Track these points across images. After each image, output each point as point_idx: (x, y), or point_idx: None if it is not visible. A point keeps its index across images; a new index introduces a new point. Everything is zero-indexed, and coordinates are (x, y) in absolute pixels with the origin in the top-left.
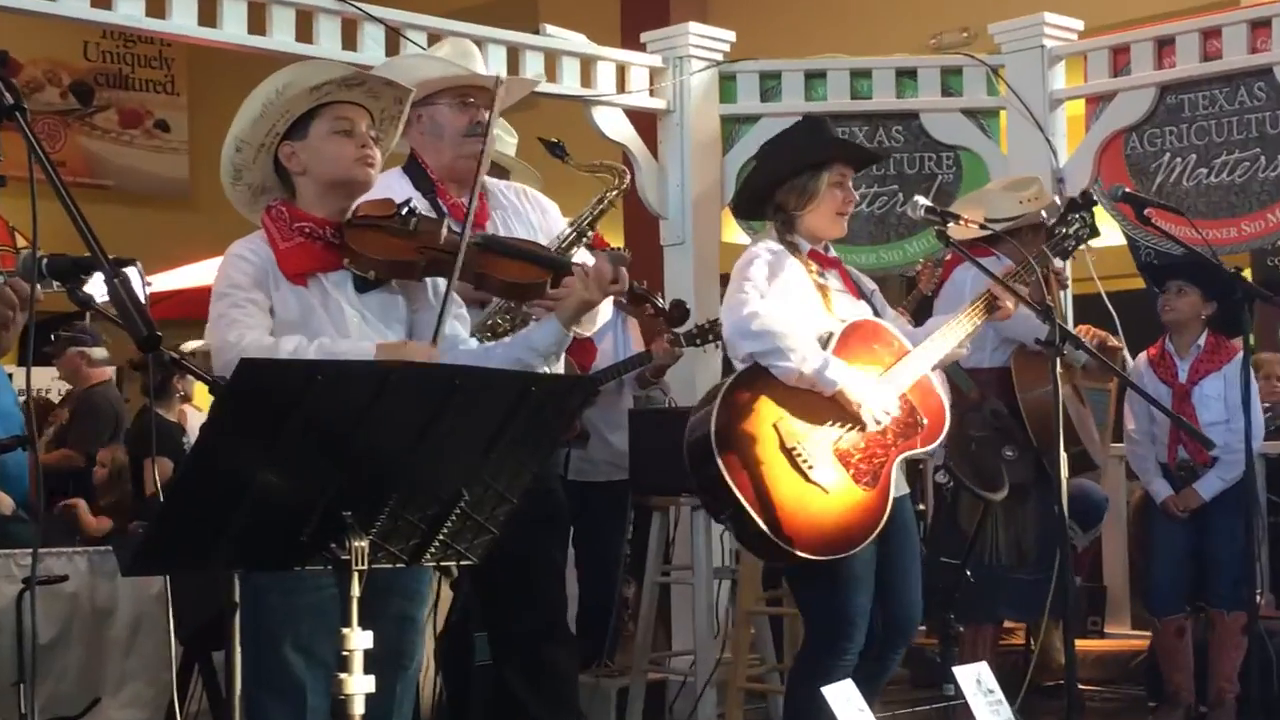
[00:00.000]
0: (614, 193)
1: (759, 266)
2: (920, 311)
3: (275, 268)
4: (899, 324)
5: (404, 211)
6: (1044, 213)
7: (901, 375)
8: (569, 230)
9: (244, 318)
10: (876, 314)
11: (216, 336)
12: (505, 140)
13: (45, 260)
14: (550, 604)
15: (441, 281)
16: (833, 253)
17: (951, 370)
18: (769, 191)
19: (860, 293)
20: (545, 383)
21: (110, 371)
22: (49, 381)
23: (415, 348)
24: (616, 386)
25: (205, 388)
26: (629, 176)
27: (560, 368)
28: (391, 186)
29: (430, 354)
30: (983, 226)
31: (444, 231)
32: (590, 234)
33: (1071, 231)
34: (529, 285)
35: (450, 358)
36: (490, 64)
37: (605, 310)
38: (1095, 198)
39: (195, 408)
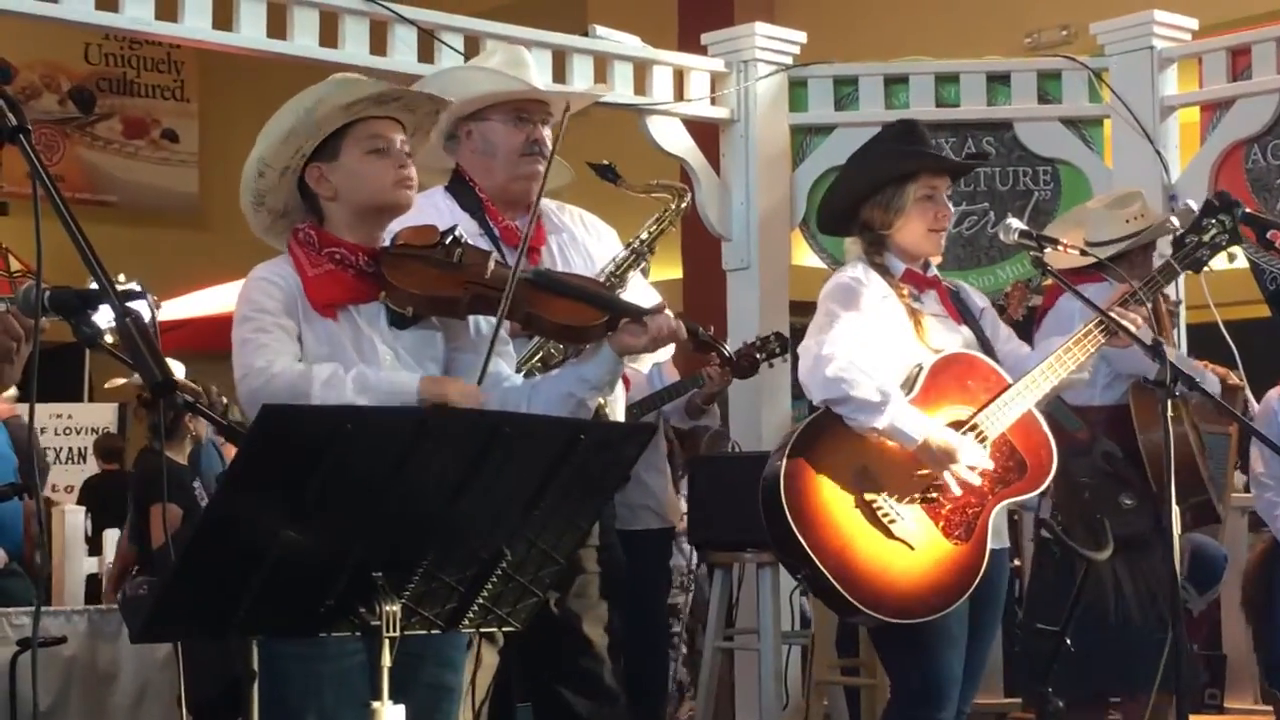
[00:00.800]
0: (673, 213)
1: (839, 297)
2: None
3: (303, 296)
4: (1011, 347)
5: (448, 241)
6: (1174, 219)
7: (997, 417)
8: (625, 253)
9: (272, 343)
10: (984, 339)
11: (242, 362)
12: (560, 172)
13: (48, 293)
14: (603, 672)
15: (486, 320)
16: (933, 270)
17: (1055, 407)
18: (852, 207)
19: (963, 315)
20: (597, 430)
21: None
22: (48, 419)
23: (463, 386)
24: (653, 419)
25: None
26: (689, 195)
27: (620, 401)
28: (436, 207)
29: (475, 395)
30: (1083, 253)
31: (491, 265)
32: (647, 259)
33: (1208, 239)
34: (584, 328)
35: (495, 396)
36: (534, 68)
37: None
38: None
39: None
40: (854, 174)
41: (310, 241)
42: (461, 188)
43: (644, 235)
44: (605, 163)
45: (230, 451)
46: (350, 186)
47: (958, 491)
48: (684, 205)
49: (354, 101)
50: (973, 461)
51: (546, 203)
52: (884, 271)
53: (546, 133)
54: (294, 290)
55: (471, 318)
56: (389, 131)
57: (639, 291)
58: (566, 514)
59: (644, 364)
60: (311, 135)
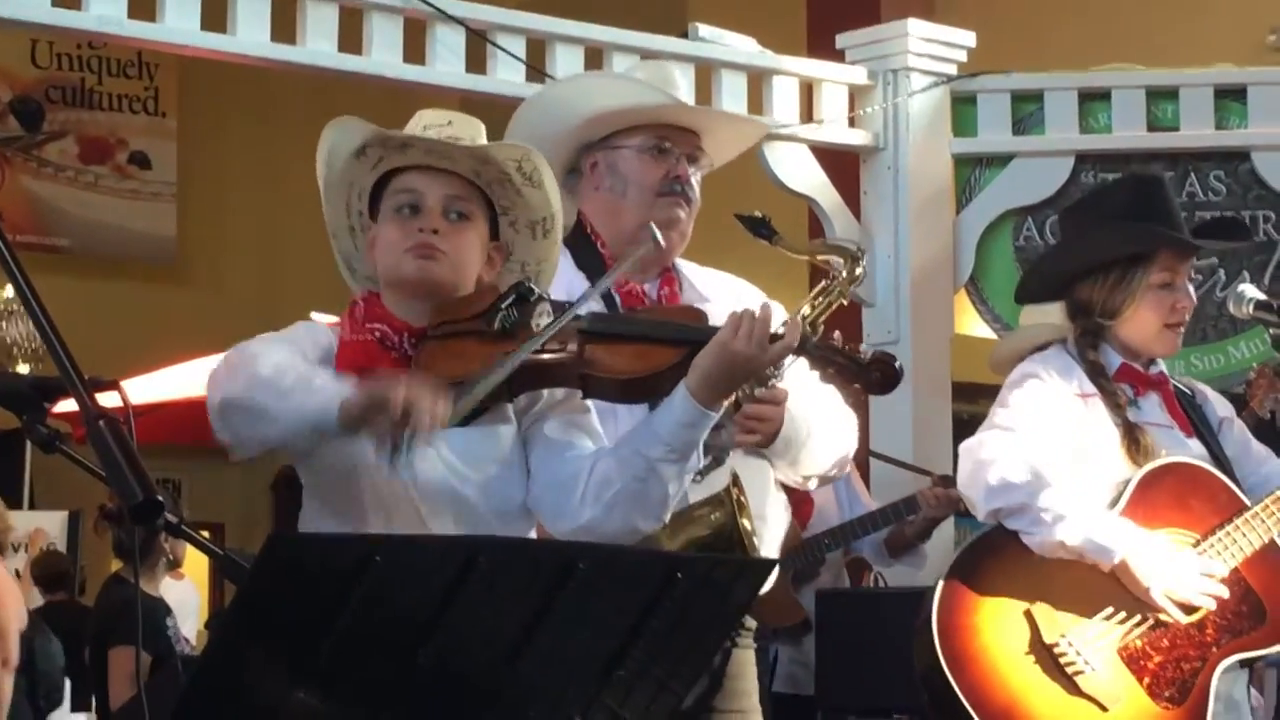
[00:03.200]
0: (844, 282)
1: (1029, 392)
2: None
3: (331, 359)
4: (1266, 471)
5: (505, 303)
6: None
7: (1229, 546)
8: None
9: (280, 345)
10: (1219, 456)
11: (228, 356)
12: None
13: None
14: None
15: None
16: (1159, 367)
17: None
18: (1066, 281)
19: (1196, 426)
20: (698, 566)
21: None
22: None
23: (379, 387)
24: (838, 558)
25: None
26: (865, 261)
27: (776, 526)
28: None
29: (399, 394)
30: None
31: (538, 320)
32: (814, 345)
33: None
34: (656, 376)
35: (544, 475)
36: None
37: (823, 451)
38: None
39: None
40: (1074, 239)
41: (358, 309)
42: (580, 241)
43: (805, 311)
44: (758, 214)
45: None
46: (377, 255)
47: (1180, 617)
48: (859, 273)
49: (362, 146)
50: (1196, 584)
51: (692, 267)
52: (1094, 367)
53: (697, 175)
54: (325, 348)
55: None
56: (422, 185)
57: (807, 389)
58: (658, 677)
59: (816, 467)
60: (347, 188)
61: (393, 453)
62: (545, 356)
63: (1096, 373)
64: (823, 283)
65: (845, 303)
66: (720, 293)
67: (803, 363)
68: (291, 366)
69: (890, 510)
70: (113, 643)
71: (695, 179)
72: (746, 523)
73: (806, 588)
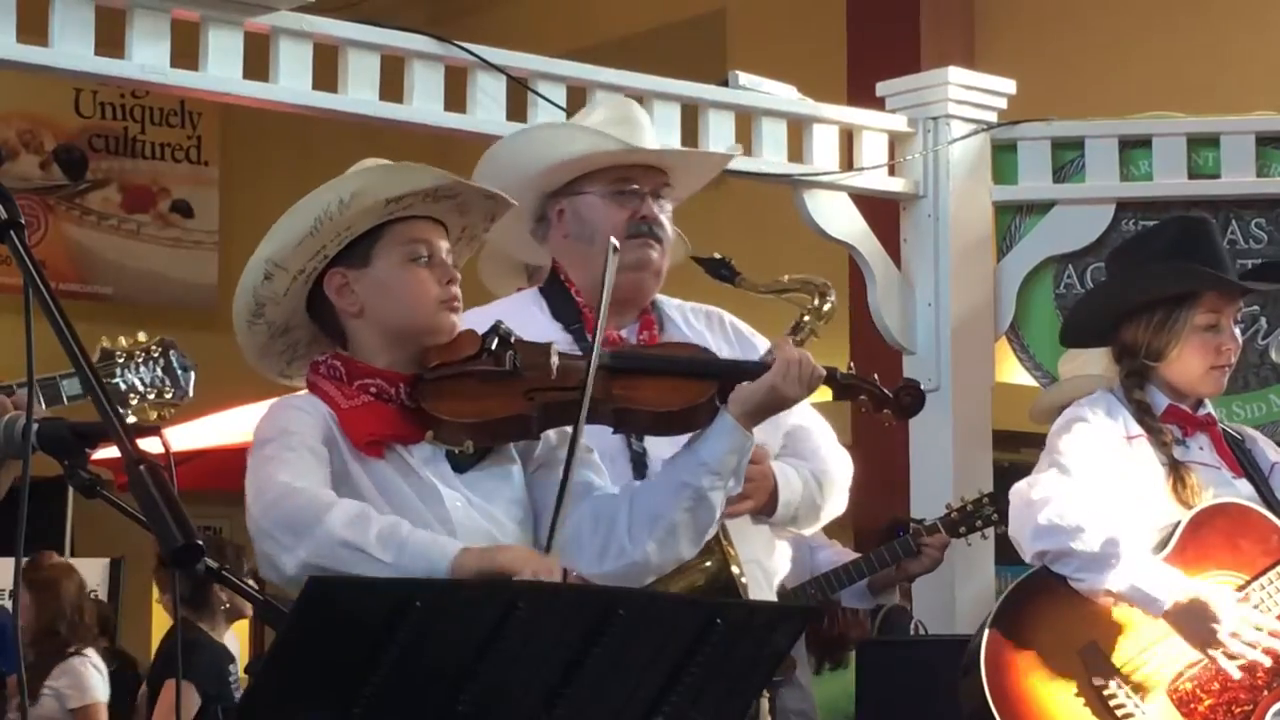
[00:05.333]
0: (813, 318)
1: (1076, 436)
2: None
3: (341, 432)
4: None
5: (493, 344)
6: None
7: (1279, 586)
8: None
9: (299, 461)
10: (1269, 498)
11: (259, 478)
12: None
13: (36, 428)
14: None
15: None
16: (1207, 408)
17: None
18: (1112, 323)
19: (1245, 468)
20: (738, 611)
21: None
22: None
23: (524, 555)
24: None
25: None
26: (833, 295)
27: (780, 558)
28: (533, 317)
29: (544, 565)
30: None
31: (555, 359)
32: (844, 375)
33: None
34: (689, 411)
35: (575, 516)
36: (657, 126)
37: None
38: None
39: None
40: (1120, 279)
41: (337, 374)
42: (556, 290)
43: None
44: (717, 255)
45: None
46: (384, 302)
47: (1231, 670)
48: (827, 308)
49: (403, 195)
50: (1247, 625)
51: (674, 304)
52: (1141, 407)
53: (666, 209)
54: (329, 423)
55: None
56: (432, 236)
57: (805, 423)
58: None
59: (811, 524)
60: (339, 233)
61: None
62: (577, 395)
63: (1143, 412)
64: (794, 321)
65: (817, 337)
66: (701, 331)
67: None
68: (361, 516)
69: (875, 557)
70: (166, 676)
71: (666, 214)
72: (736, 569)
73: None
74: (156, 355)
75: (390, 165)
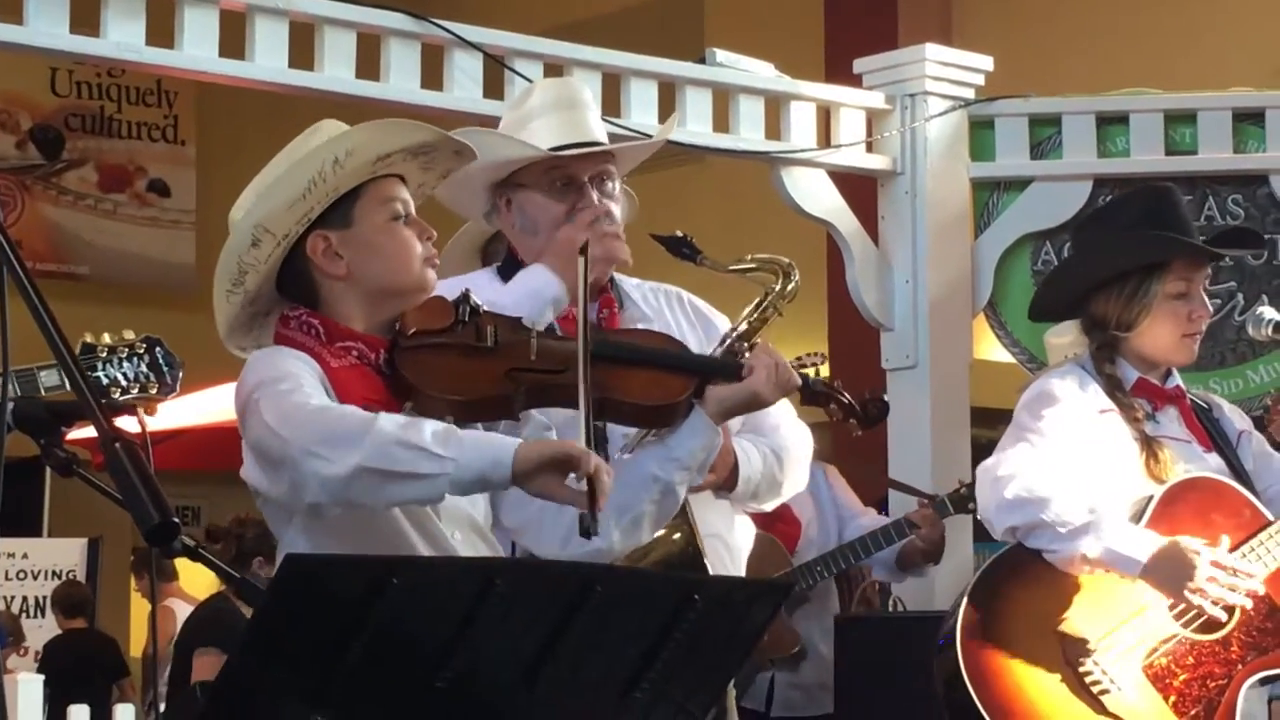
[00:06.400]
0: (776, 296)
1: (1039, 409)
2: None
3: (333, 392)
4: None
5: (465, 315)
6: None
7: (1255, 558)
8: (717, 351)
9: (317, 395)
10: (1239, 470)
11: (281, 407)
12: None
13: (11, 407)
14: None
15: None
16: (1176, 380)
17: None
18: (1081, 296)
19: (1215, 440)
20: (715, 587)
21: None
22: None
23: (569, 447)
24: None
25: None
26: (796, 275)
27: (740, 531)
28: (489, 290)
29: (598, 460)
30: None
31: (534, 340)
32: (817, 383)
33: None
34: (670, 407)
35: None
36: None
37: (799, 476)
38: None
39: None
40: (1087, 252)
41: (313, 330)
42: (513, 270)
43: (741, 328)
44: (678, 234)
45: None
46: (370, 261)
47: (1218, 614)
48: (791, 287)
49: (392, 152)
50: (1229, 567)
51: (633, 283)
52: (1111, 382)
53: (611, 192)
54: (324, 379)
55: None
56: (404, 193)
57: (768, 419)
58: (675, 699)
59: (775, 499)
60: (328, 194)
61: (590, 517)
62: (563, 379)
63: (1114, 387)
64: (756, 299)
65: (780, 316)
66: (660, 309)
67: None
68: (411, 422)
69: (881, 533)
70: (196, 645)
71: (611, 198)
72: (699, 543)
73: (799, 613)
74: (141, 351)
75: (378, 123)
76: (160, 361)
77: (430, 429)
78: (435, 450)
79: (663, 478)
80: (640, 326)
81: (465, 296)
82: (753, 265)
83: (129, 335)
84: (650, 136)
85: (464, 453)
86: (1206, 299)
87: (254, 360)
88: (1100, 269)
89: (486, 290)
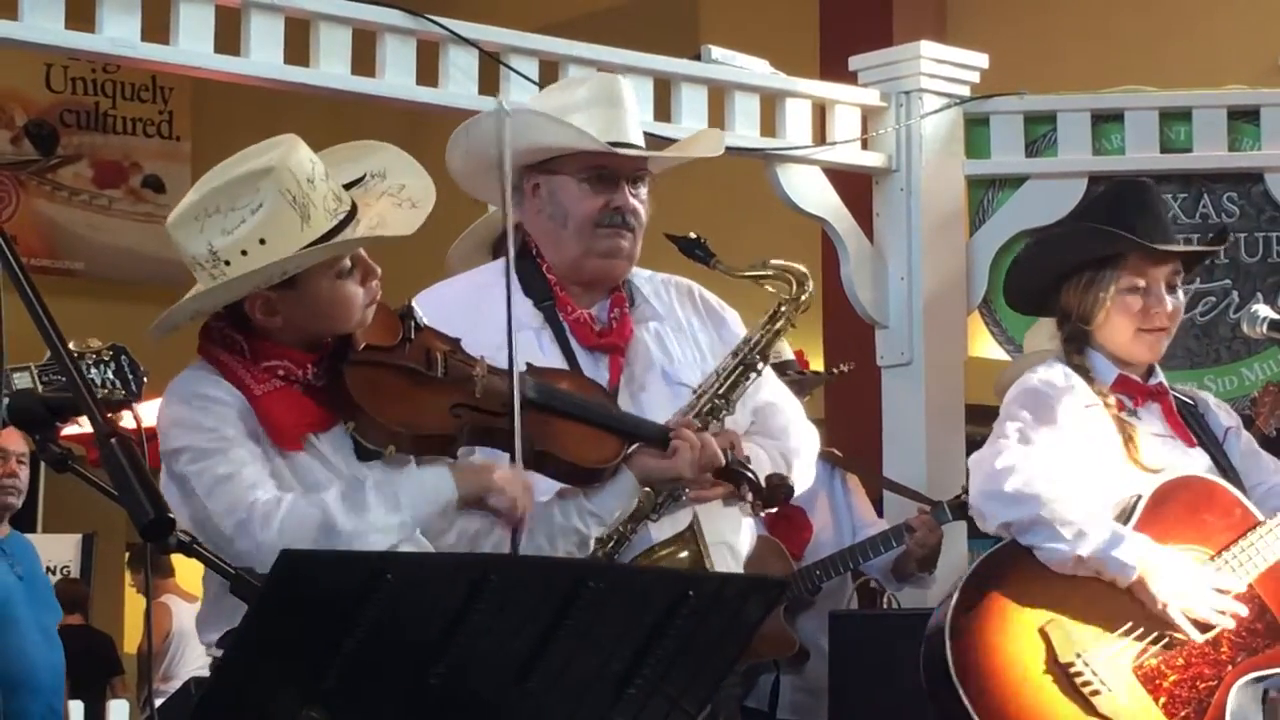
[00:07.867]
0: (791, 306)
1: (1029, 403)
2: None
3: (259, 424)
4: (1275, 482)
5: (411, 334)
6: None
7: (1243, 562)
8: (729, 363)
9: (251, 473)
10: (1225, 467)
11: (228, 504)
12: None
13: (6, 401)
14: None
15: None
16: (1159, 377)
17: None
18: (1049, 287)
19: (1199, 437)
20: (710, 584)
21: None
22: None
23: (507, 474)
24: (842, 581)
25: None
26: (810, 285)
27: (742, 533)
28: (498, 288)
29: (527, 484)
30: None
31: (480, 374)
32: (760, 369)
33: None
34: (600, 471)
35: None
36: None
37: (806, 477)
38: None
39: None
40: (1054, 242)
41: (238, 348)
42: (527, 265)
43: (755, 338)
44: (692, 235)
45: None
46: (307, 319)
47: (1196, 637)
48: (806, 296)
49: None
50: (1213, 599)
51: (646, 276)
52: (1086, 376)
53: (642, 195)
54: (248, 412)
55: None
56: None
57: (774, 399)
58: (669, 696)
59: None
60: (278, 277)
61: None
62: (504, 424)
63: (1087, 379)
64: (770, 309)
65: (794, 326)
66: (671, 304)
67: (769, 378)
68: (351, 498)
69: (880, 539)
70: None
71: (641, 197)
72: (708, 564)
73: (801, 617)
74: (108, 359)
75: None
76: (125, 369)
77: (373, 499)
78: (392, 523)
79: (581, 530)
80: (686, 359)
81: (409, 310)
82: (767, 272)
83: (94, 343)
84: (646, 134)
85: (416, 510)
86: (1173, 297)
87: (174, 395)
88: (1054, 260)
89: (495, 289)
